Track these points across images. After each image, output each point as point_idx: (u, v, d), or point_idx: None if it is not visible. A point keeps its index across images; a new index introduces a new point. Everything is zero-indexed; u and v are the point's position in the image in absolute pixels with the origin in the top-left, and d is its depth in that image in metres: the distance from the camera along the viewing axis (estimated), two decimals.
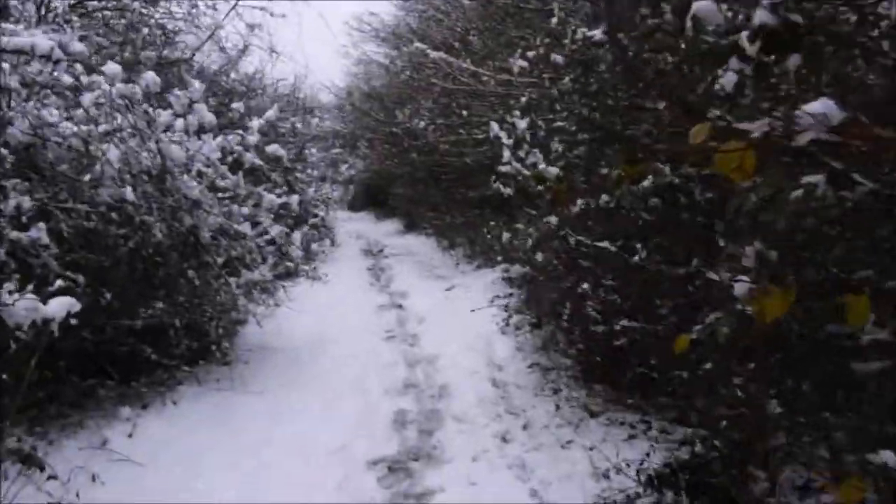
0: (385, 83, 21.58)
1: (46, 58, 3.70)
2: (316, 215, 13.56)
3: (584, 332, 5.20)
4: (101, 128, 4.64)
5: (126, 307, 5.98)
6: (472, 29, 13.37)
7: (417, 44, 11.72)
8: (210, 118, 5.67)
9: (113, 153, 4.69)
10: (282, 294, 7.80)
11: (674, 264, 3.39)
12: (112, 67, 4.44)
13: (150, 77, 4.90)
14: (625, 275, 3.92)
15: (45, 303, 3.45)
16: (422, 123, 12.31)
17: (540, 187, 3.31)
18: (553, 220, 3.98)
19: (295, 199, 7.45)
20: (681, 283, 3.36)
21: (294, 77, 14.15)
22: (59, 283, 3.75)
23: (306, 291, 10.01)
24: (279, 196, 8.62)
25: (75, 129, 4.92)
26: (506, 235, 10.23)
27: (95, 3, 9.15)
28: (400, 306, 9.87)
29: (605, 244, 3.70)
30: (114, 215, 5.37)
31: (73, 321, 3.60)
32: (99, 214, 5.26)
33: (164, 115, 5.13)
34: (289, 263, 10.72)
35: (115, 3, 8.84)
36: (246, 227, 6.44)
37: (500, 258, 11.28)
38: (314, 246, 9.48)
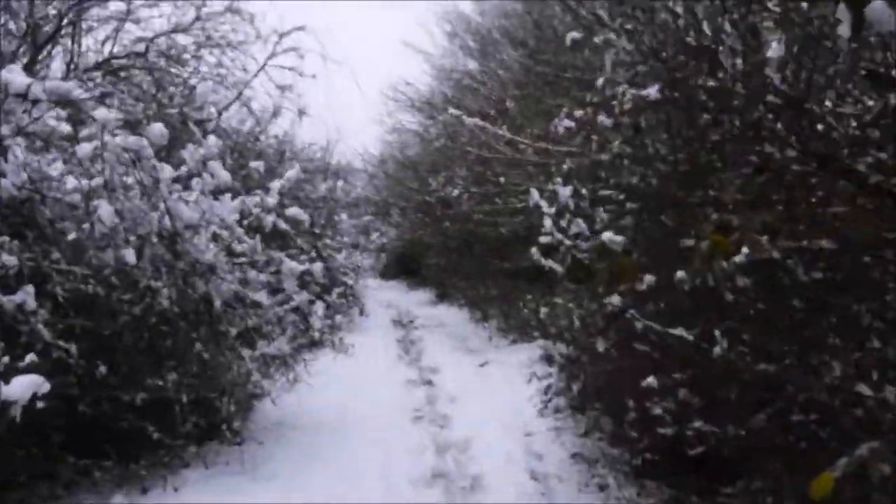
0: (419, 152, 21.35)
1: (22, 96, 3.23)
2: (344, 283, 13.03)
3: (649, 433, 4.45)
4: (95, 181, 4.15)
5: (128, 380, 5.40)
6: (509, 97, 12.97)
7: (452, 110, 11.35)
8: (225, 176, 5.18)
9: (105, 209, 4.18)
10: (301, 368, 7.18)
11: (767, 360, 2.73)
12: (103, 113, 3.96)
13: (158, 129, 4.43)
14: (701, 369, 3.25)
15: (6, 381, 2.87)
16: (456, 191, 11.83)
17: (595, 262, 2.66)
18: (615, 299, 3.36)
19: (319, 266, 6.88)
20: (774, 382, 2.70)
21: (326, 142, 13.80)
22: (30, 357, 3.17)
23: (331, 363, 9.39)
24: (303, 262, 8.12)
25: (76, 182, 4.44)
26: (543, 310, 9.58)
27: (123, 60, 8.90)
28: (430, 382, 9.18)
29: (679, 331, 3.05)
30: (114, 279, 4.84)
31: (41, 404, 3.01)
32: (100, 278, 4.74)
33: (167, 170, 4.62)
34: (314, 334, 10.14)
35: (142, 60, 8.57)
36: (262, 296, 5.88)
37: (536, 334, 10.62)
38: (338, 318, 8.92)
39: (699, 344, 3.06)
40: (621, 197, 6.44)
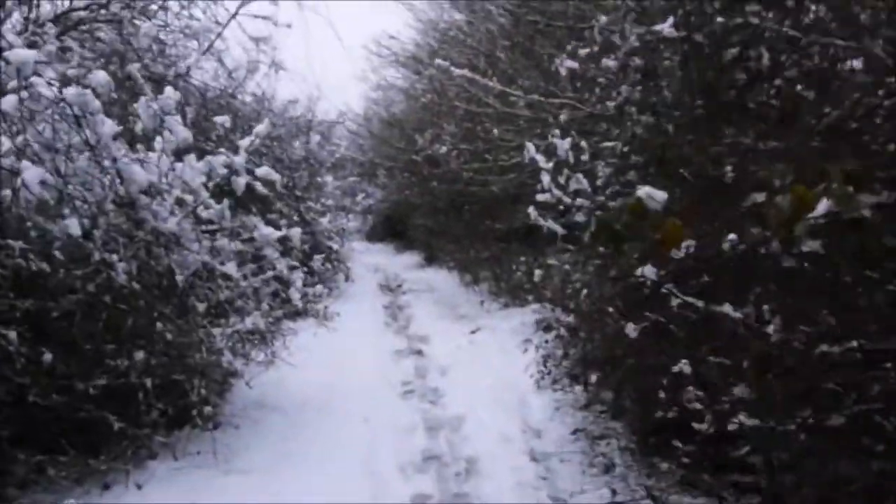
0: (404, 109, 20.61)
1: None
2: (329, 248, 12.44)
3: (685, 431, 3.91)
4: (20, 140, 3.52)
5: (83, 365, 4.85)
6: (499, 48, 12.29)
7: (439, 61, 10.67)
8: (184, 133, 4.55)
9: (32, 173, 3.58)
10: (280, 344, 6.63)
11: (838, 343, 2.21)
12: (20, 54, 3.32)
13: (102, 77, 3.81)
14: (749, 353, 2.71)
15: None
16: (443, 149, 11.18)
17: (629, 224, 2.09)
18: (648, 271, 2.80)
19: (297, 231, 6.28)
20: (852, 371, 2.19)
21: (307, 99, 13.07)
22: None
23: (315, 334, 8.86)
24: (284, 228, 7.54)
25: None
26: (537, 273, 9.05)
27: (84, 13, 8.15)
28: (419, 352, 8.66)
29: (726, 308, 2.50)
30: (58, 254, 4.25)
31: None
32: (44, 252, 4.15)
33: (108, 125, 3.98)
34: (297, 304, 9.60)
35: (104, 12, 7.82)
36: (232, 267, 5.30)
37: (530, 297, 10.11)
38: (319, 287, 8.36)
39: (750, 323, 2.51)
40: (625, 149, 5.88)
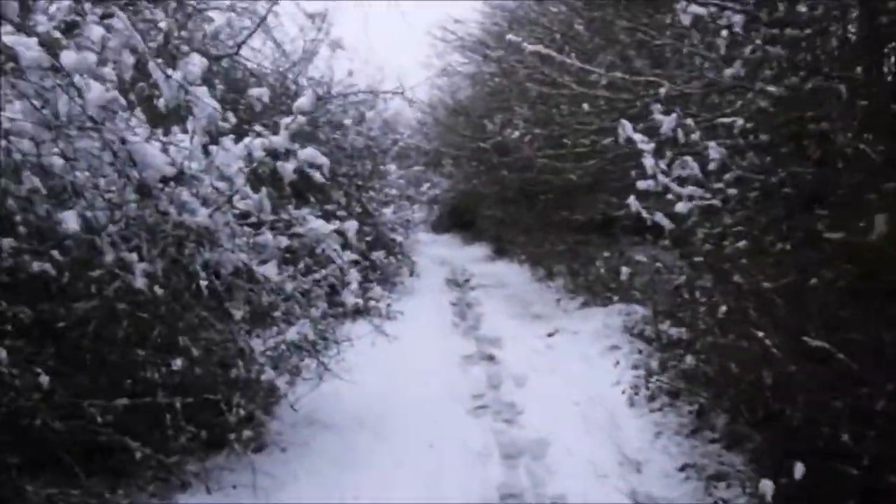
0: (470, 95, 19.66)
1: None
2: (392, 241, 11.60)
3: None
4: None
5: (99, 383, 4.09)
6: (574, 25, 11.25)
7: (511, 36, 9.69)
8: (211, 107, 3.72)
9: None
10: (333, 354, 5.78)
11: None
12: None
13: (97, 33, 3.00)
14: None
15: None
16: (515, 134, 10.19)
17: None
18: None
19: (352, 225, 5.42)
20: None
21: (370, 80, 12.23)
22: None
23: (374, 343, 8.03)
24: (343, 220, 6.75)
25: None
26: (625, 271, 8.00)
27: None
28: (491, 358, 7.74)
29: None
30: (55, 253, 3.47)
31: None
32: (33, 251, 3.37)
33: (96, 89, 3.14)
34: (357, 302, 8.80)
35: None
36: (271, 268, 4.47)
37: (615, 297, 9.07)
38: (376, 290, 7.52)
39: None
40: (747, 126, 4.82)
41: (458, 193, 20.75)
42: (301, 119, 4.53)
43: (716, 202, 4.64)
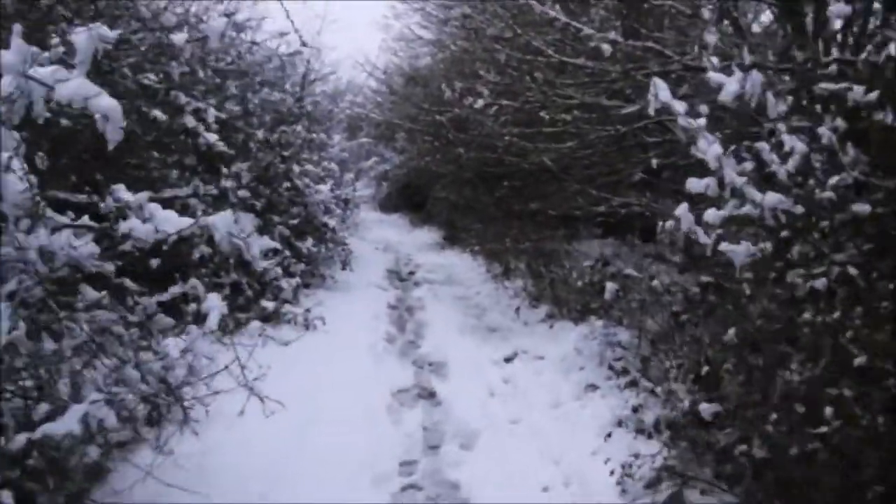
0: (431, 63, 17.55)
1: None
2: (325, 225, 9.52)
3: None
4: None
5: None
6: None
7: None
8: None
9: None
10: (197, 401, 3.77)
11: None
12: None
13: None
14: None
15: None
16: (479, 102, 8.19)
17: None
18: None
19: (224, 218, 3.42)
20: None
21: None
22: None
23: (286, 354, 6.03)
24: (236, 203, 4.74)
25: None
26: (610, 288, 6.10)
27: None
28: (432, 395, 5.81)
29: None
30: None
31: None
32: None
33: None
34: (266, 306, 6.81)
35: None
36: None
37: (597, 319, 7.17)
38: (293, 283, 5.47)
39: None
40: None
41: (411, 171, 18.64)
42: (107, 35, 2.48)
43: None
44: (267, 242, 8.20)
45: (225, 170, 6.45)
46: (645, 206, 7.05)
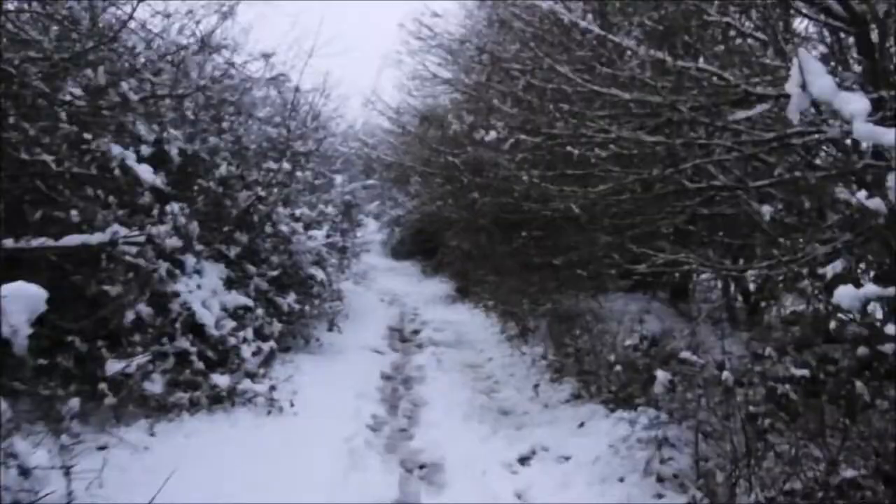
0: (446, 104, 16.22)
1: None
2: (312, 278, 8.04)
3: None
4: None
5: None
6: None
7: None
8: None
9: None
10: None
11: None
12: None
13: None
14: None
15: None
16: (491, 134, 6.75)
17: None
18: None
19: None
20: None
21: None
22: None
23: (212, 459, 4.53)
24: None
25: None
26: (662, 377, 4.52)
27: None
28: None
29: None
30: None
31: None
32: None
33: None
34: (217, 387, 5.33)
35: None
36: None
37: (639, 402, 5.57)
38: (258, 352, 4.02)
39: None
40: None
41: (424, 216, 17.18)
42: None
43: None
44: (236, 298, 6.89)
45: (156, 211, 4.99)
46: (703, 265, 5.49)
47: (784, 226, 6.44)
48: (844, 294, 2.13)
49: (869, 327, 2.50)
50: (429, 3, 16.45)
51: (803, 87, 1.54)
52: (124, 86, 5.36)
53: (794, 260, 5.24)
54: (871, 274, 4.70)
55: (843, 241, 5.01)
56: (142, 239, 4.49)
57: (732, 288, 9.16)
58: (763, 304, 8.61)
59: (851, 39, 5.73)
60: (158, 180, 4.94)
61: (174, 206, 5.17)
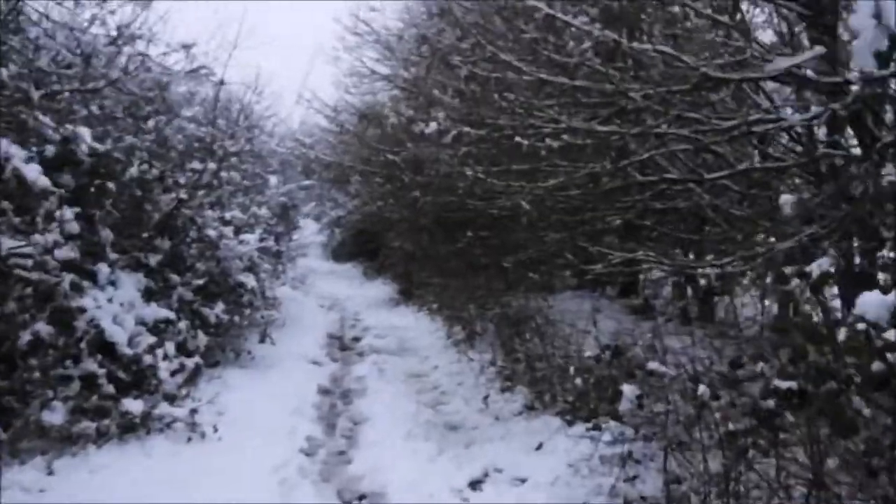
0: (385, 101, 15.64)
1: None
2: (241, 286, 7.39)
3: None
4: None
5: None
6: None
7: None
8: None
9: None
10: None
11: None
12: None
13: None
14: None
15: None
16: (431, 126, 6.23)
17: None
18: None
19: None
20: None
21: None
22: None
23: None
24: None
25: None
26: (629, 391, 4.04)
27: None
28: None
29: None
30: None
31: None
32: None
33: None
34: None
35: None
36: None
37: (600, 415, 5.10)
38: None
39: None
40: None
41: (365, 216, 16.57)
42: None
43: None
44: (155, 311, 6.22)
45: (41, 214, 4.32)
46: (663, 262, 5.08)
47: (740, 219, 6.12)
48: (869, 301, 1.71)
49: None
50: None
51: (878, 18, 1.08)
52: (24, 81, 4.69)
53: (753, 255, 4.90)
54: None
55: (807, 234, 4.66)
56: (29, 250, 3.83)
57: (684, 282, 8.88)
58: (716, 299, 8.35)
59: (803, 25, 5.46)
60: (47, 182, 4.27)
61: (66, 212, 4.49)
